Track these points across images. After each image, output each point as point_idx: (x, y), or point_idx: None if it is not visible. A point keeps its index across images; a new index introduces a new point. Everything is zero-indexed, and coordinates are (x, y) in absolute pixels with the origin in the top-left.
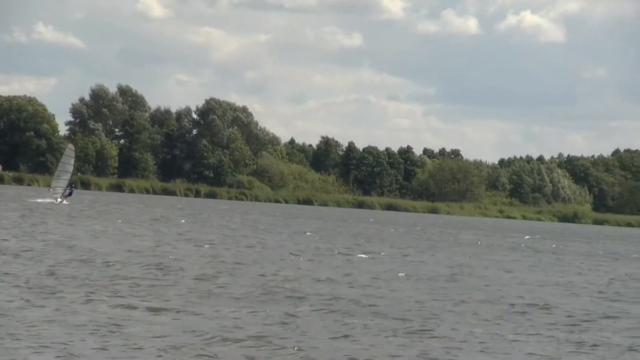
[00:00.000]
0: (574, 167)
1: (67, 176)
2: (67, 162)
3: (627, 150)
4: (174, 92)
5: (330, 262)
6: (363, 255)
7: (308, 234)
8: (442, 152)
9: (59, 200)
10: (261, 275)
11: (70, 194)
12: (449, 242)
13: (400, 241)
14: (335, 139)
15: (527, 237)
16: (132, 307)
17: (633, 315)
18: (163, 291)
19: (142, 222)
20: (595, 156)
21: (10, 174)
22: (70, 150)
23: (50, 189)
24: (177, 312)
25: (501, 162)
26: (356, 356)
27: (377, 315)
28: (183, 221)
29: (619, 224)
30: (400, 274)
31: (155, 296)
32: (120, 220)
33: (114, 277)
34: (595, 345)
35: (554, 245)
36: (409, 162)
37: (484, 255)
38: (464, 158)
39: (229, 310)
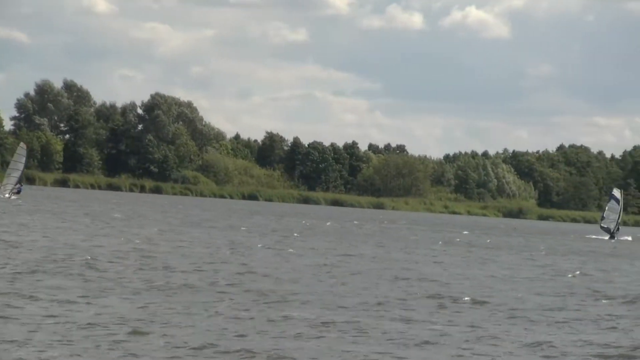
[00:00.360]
0: (518, 162)
1: (18, 174)
2: (19, 161)
3: (572, 146)
4: (119, 87)
5: (253, 256)
6: (291, 250)
7: (243, 228)
8: (388, 147)
9: (7, 196)
10: (165, 267)
11: (19, 192)
12: (384, 237)
13: (335, 235)
14: (281, 134)
15: (465, 232)
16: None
17: (515, 306)
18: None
19: (75, 217)
20: (540, 152)
21: None
22: (22, 149)
23: (1, 186)
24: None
25: (446, 157)
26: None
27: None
28: (117, 215)
29: (563, 220)
30: (315, 265)
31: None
32: (50, 215)
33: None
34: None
35: (488, 240)
36: (354, 157)
37: (407, 249)
38: (409, 153)
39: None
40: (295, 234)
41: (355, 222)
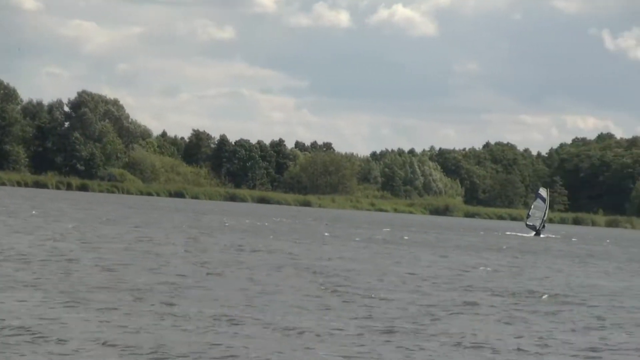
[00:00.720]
0: (445, 160)
1: None
2: None
3: (498, 143)
4: (46, 85)
5: (143, 250)
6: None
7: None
8: (314, 145)
9: None
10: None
11: None
12: (298, 233)
13: (243, 231)
14: (207, 132)
15: (386, 229)
16: None
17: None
18: None
19: None
20: (467, 149)
21: None
22: None
23: None
24: None
25: (373, 155)
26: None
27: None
28: (34, 212)
29: (490, 217)
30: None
31: None
32: None
33: None
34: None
35: (406, 237)
36: (281, 155)
37: (315, 245)
38: (336, 151)
39: None
40: (210, 231)
41: (276, 219)
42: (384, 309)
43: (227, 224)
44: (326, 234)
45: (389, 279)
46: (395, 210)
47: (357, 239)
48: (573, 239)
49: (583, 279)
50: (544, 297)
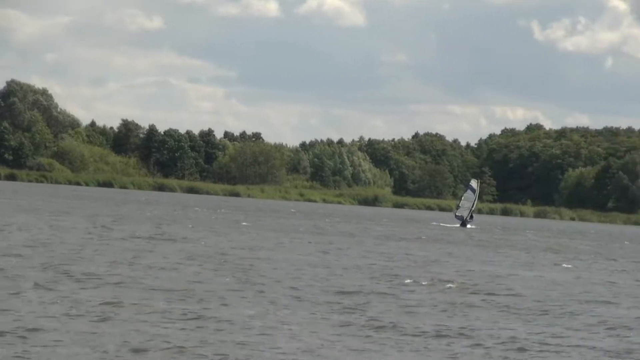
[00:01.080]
0: (374, 150)
1: None
2: None
3: (427, 134)
4: None
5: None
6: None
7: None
8: (244, 135)
9: None
10: None
11: None
12: (216, 223)
13: (160, 220)
14: (136, 121)
15: (307, 220)
16: None
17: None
18: None
19: None
20: (396, 139)
21: None
22: None
23: None
24: None
25: (302, 145)
26: None
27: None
28: None
29: (419, 207)
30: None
31: None
32: None
33: None
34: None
35: (328, 227)
36: (210, 145)
37: (228, 233)
38: (265, 141)
39: None
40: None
41: (197, 208)
42: (277, 295)
43: (149, 214)
44: (244, 223)
45: (288, 266)
46: (324, 201)
47: (277, 228)
48: (495, 229)
49: (487, 268)
50: (424, 283)
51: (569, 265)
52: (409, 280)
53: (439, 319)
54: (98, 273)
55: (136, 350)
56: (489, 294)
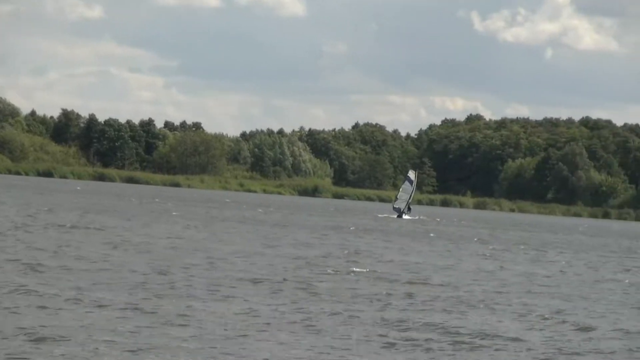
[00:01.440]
0: (315, 140)
1: None
2: None
3: (367, 124)
4: None
5: None
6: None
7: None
8: (184, 125)
9: None
10: None
11: None
12: (149, 212)
13: (87, 210)
14: (76, 111)
15: (238, 210)
16: None
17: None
18: None
19: None
20: (336, 130)
21: None
22: None
23: None
24: None
25: (243, 135)
26: None
27: None
28: None
29: (359, 198)
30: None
31: None
32: None
33: None
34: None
35: (260, 217)
36: (150, 134)
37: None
38: (206, 131)
39: None
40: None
41: (133, 199)
42: (182, 285)
43: (79, 204)
44: (174, 213)
45: (202, 255)
46: (265, 191)
47: (204, 218)
48: (431, 220)
49: (407, 258)
50: (328, 270)
51: (489, 254)
52: (328, 270)
53: (333, 306)
54: None
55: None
56: (393, 281)
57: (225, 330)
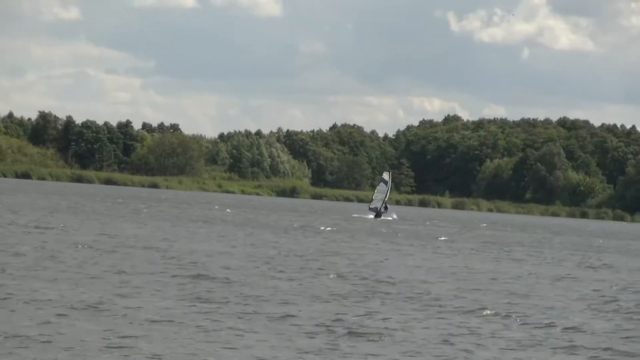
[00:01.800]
0: (292, 141)
1: None
2: None
3: (345, 125)
4: None
5: None
6: None
7: None
8: (161, 126)
9: None
10: None
11: None
12: (120, 213)
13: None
14: (54, 113)
15: (207, 210)
16: None
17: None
18: None
19: None
20: (314, 131)
21: None
22: None
23: None
24: None
25: (221, 136)
26: None
27: None
28: None
29: (337, 199)
30: None
31: None
32: None
33: None
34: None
35: (226, 217)
36: (128, 136)
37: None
38: (183, 132)
39: None
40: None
41: (120, 200)
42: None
43: (48, 204)
44: (145, 210)
45: (157, 253)
46: (243, 192)
47: (171, 218)
48: (394, 216)
49: (369, 256)
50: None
51: (448, 252)
52: (280, 269)
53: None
54: None
55: None
56: (340, 276)
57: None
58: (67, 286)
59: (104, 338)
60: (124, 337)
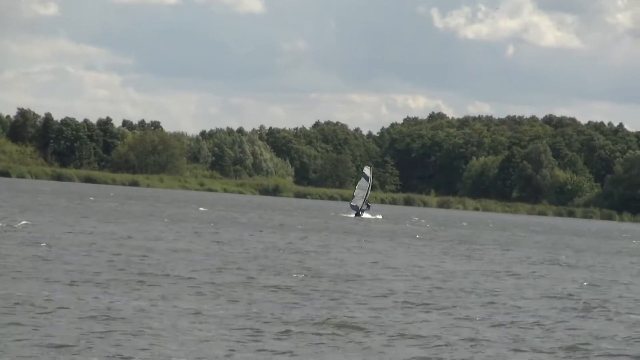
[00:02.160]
0: (275, 139)
1: None
2: None
3: (328, 123)
4: None
5: None
6: None
7: None
8: (142, 124)
9: None
10: None
11: None
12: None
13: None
14: (33, 110)
15: (202, 208)
16: None
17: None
18: None
19: None
20: (297, 128)
21: None
22: None
23: None
24: None
25: (202, 134)
26: None
27: None
28: None
29: (321, 197)
30: None
31: None
32: None
33: None
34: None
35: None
36: (108, 134)
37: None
38: (164, 130)
39: None
40: None
41: (92, 198)
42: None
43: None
44: (118, 209)
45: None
46: (225, 190)
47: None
48: (379, 217)
49: (339, 255)
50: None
51: (413, 251)
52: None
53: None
54: None
55: None
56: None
57: None
58: None
59: None
60: None
